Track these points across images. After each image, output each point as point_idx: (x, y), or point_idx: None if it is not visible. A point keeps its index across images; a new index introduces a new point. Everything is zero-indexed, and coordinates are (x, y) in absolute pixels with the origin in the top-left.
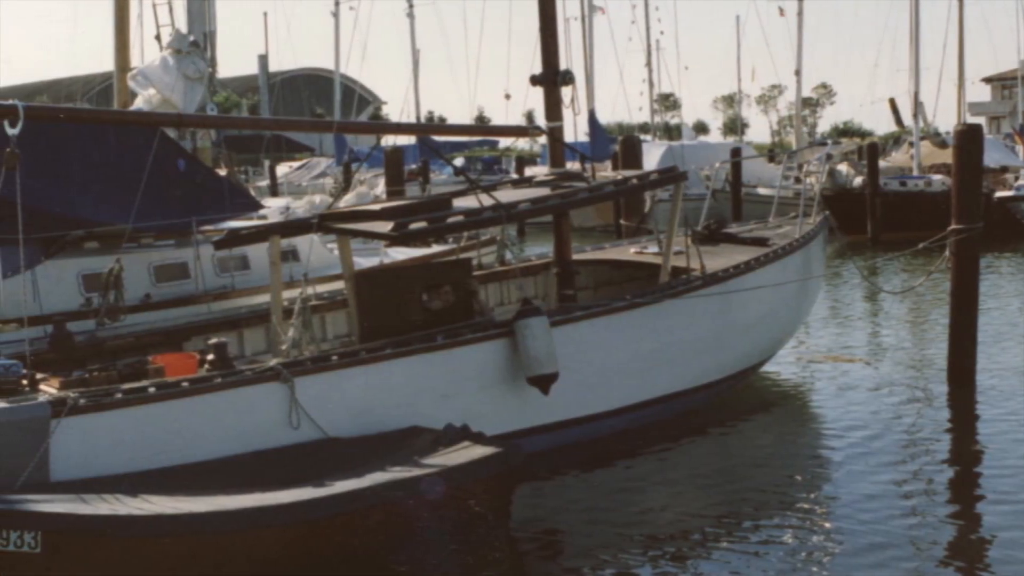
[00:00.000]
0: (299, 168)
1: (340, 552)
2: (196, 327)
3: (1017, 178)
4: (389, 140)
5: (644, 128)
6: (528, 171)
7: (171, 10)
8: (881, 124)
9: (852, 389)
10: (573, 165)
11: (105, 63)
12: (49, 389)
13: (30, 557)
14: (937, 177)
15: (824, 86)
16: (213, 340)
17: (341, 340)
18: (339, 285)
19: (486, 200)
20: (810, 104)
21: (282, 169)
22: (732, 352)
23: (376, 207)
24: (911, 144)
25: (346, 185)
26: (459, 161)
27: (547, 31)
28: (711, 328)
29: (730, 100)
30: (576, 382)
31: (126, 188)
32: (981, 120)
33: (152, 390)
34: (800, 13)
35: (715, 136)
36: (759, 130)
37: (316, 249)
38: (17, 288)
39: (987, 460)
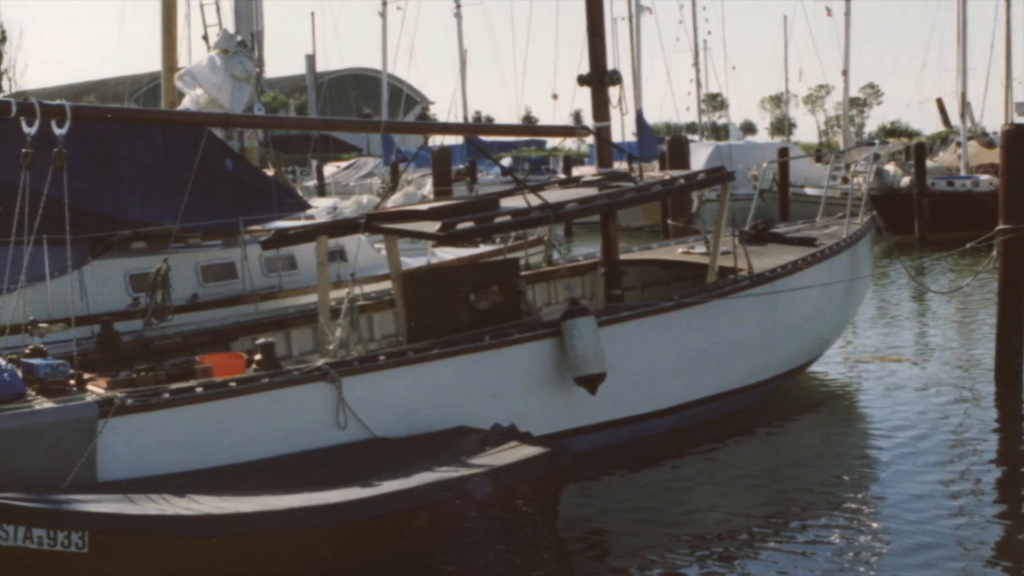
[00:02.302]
0: (346, 168)
1: (388, 552)
2: (243, 327)
3: None
4: (436, 140)
5: (691, 128)
6: (575, 171)
7: (218, 10)
8: (928, 124)
9: (899, 389)
10: (621, 165)
11: (152, 63)
12: (96, 389)
13: (77, 557)
14: (984, 177)
15: (871, 86)
16: (260, 340)
17: (388, 340)
18: (386, 285)
19: (533, 200)
20: (857, 104)
21: (329, 169)
22: (779, 352)
23: (423, 207)
24: (958, 144)
25: (393, 185)
26: (506, 161)
27: (594, 31)
28: (758, 328)
29: (777, 100)
30: (624, 382)
31: (173, 188)
32: None
33: (199, 390)
34: (847, 13)
35: (762, 136)
36: (806, 130)
37: (363, 249)
38: (65, 288)
39: None
